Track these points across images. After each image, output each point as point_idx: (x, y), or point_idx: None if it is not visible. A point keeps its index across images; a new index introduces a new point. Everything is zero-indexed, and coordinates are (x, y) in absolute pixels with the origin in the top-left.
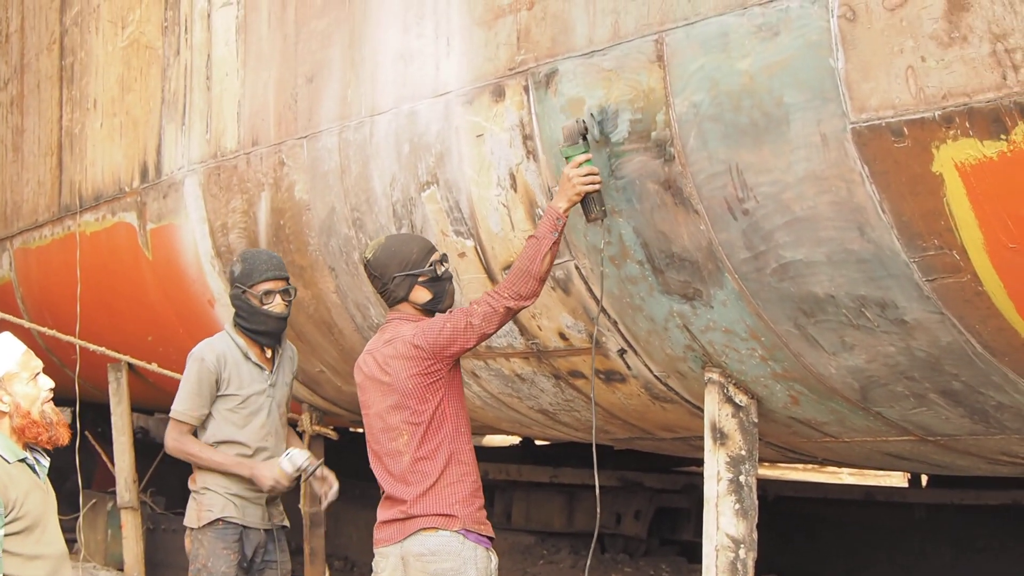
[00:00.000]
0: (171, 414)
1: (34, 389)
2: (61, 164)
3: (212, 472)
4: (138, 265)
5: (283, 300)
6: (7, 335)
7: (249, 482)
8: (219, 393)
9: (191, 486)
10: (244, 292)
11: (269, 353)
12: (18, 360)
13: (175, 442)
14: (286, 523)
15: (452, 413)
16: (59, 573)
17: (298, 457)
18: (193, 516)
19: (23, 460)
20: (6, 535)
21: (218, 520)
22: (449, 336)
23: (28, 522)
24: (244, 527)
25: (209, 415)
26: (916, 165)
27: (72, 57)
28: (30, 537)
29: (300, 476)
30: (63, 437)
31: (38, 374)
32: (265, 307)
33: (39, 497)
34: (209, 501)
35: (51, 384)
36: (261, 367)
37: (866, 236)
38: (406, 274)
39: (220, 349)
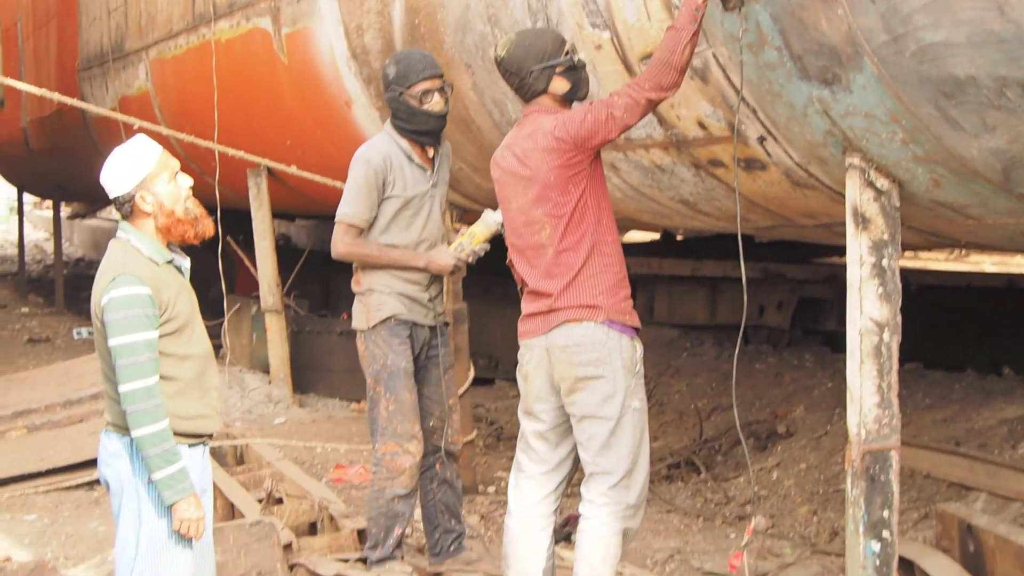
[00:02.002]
0: (338, 217)
1: (175, 187)
2: None
3: (377, 272)
4: (274, 70)
5: (441, 97)
6: (142, 137)
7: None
8: (384, 196)
9: (355, 288)
10: (401, 94)
11: (431, 153)
12: (157, 160)
13: (346, 246)
14: (448, 320)
15: (594, 204)
16: (206, 373)
17: (493, 216)
18: (362, 318)
19: (170, 262)
20: (160, 336)
21: (390, 318)
22: (591, 127)
23: (180, 323)
24: (413, 323)
25: (374, 218)
26: None
27: None
28: (181, 337)
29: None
30: (209, 229)
31: (177, 173)
32: (425, 107)
33: (187, 298)
34: (377, 301)
35: (191, 181)
36: (424, 168)
37: (1006, 16)
38: (544, 66)
39: (385, 151)
